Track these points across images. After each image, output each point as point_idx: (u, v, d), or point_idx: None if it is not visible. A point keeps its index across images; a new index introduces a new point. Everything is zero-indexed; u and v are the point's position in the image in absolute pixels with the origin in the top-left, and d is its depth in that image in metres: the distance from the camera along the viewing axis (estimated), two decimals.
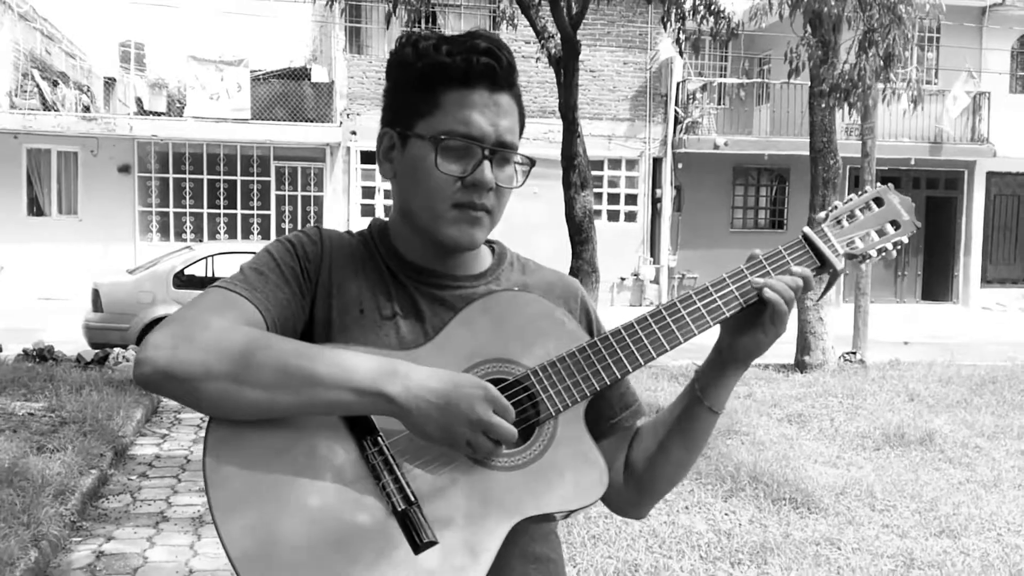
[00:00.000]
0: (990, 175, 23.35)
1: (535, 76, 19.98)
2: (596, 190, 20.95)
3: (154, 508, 6.43)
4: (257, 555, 1.35)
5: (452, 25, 19.96)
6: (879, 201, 1.69)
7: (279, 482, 1.39)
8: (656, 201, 21.98)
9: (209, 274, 12.34)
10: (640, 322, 1.57)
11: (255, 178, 20.67)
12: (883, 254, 1.68)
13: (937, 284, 23.64)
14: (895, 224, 1.68)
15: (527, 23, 11.58)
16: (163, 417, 9.16)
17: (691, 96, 21.79)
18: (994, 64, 22.50)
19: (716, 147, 21.33)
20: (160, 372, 1.38)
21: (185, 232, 20.25)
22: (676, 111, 21.69)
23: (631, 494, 1.73)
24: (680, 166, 21.89)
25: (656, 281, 21.61)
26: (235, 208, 20.57)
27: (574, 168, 11.01)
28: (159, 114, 20.58)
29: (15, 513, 5.39)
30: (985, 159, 22.78)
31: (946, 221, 23.37)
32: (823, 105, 11.48)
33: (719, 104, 22.13)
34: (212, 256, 12.60)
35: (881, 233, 1.67)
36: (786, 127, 21.29)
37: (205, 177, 20.45)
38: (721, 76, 23.41)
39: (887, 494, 6.65)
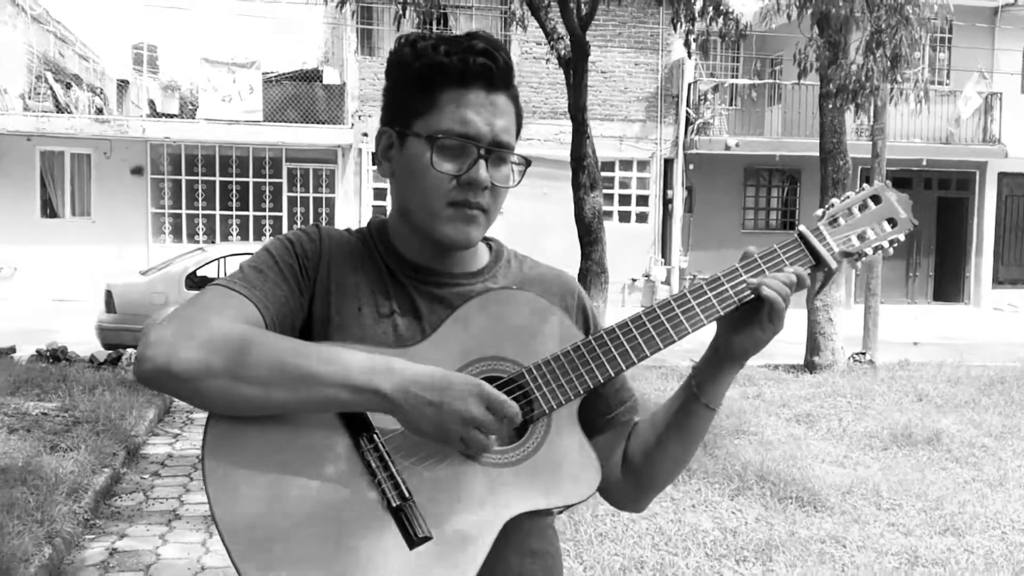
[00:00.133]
0: (1002, 176, 23.26)
1: (546, 77, 20.01)
2: (608, 191, 20.98)
3: (166, 506, 6.49)
4: (255, 550, 1.37)
5: (463, 26, 19.96)
6: (876, 199, 1.68)
7: (276, 478, 1.41)
8: (667, 202, 21.97)
9: (221, 275, 12.38)
10: (635, 320, 1.58)
11: (267, 180, 20.74)
12: (879, 252, 1.67)
13: (949, 285, 23.57)
14: (892, 222, 1.68)
15: (538, 24, 11.63)
16: (175, 417, 9.24)
17: (703, 97, 21.75)
18: (1006, 65, 22.42)
19: (728, 148, 21.28)
20: (159, 369, 1.40)
21: (197, 234, 20.34)
22: (688, 112, 21.66)
23: (629, 488, 1.75)
24: (691, 167, 21.86)
25: (667, 282, 21.58)
26: (247, 210, 20.65)
27: (583, 169, 11.05)
28: (172, 116, 20.64)
29: (29, 511, 5.46)
30: (997, 160, 22.71)
31: (957, 222, 23.33)
32: (831, 106, 11.50)
33: (731, 105, 22.07)
34: (224, 257, 12.67)
35: (878, 231, 1.67)
36: (798, 128, 21.23)
37: (217, 179, 20.54)
38: (733, 77, 23.37)
39: (893, 493, 6.68)
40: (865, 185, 1.72)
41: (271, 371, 1.40)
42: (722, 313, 1.59)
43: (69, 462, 6.55)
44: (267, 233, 20.53)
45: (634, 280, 21.55)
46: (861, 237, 1.66)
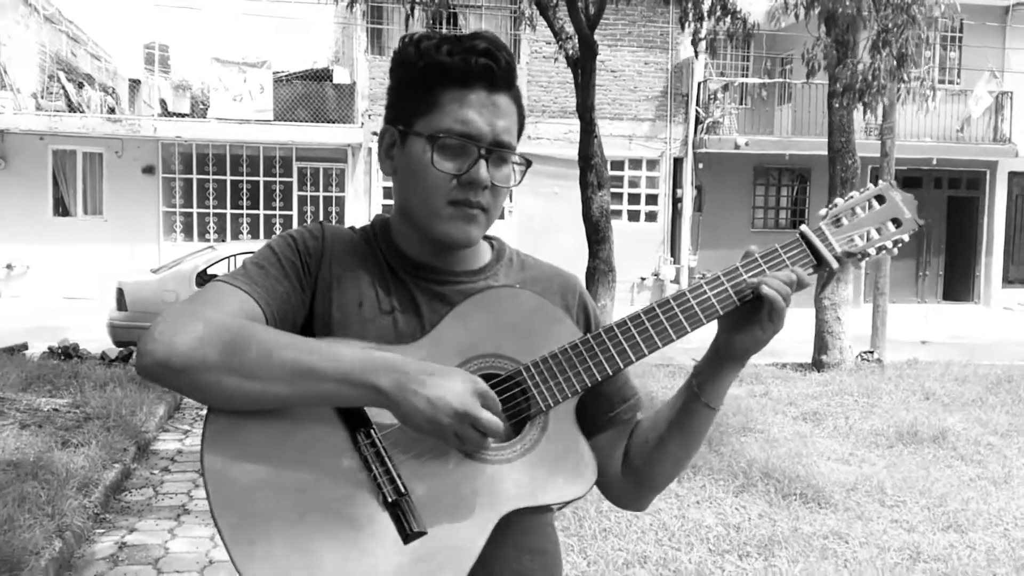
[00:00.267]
0: (1012, 175, 23.19)
1: (556, 76, 20.05)
2: (617, 190, 21.00)
3: (176, 501, 6.55)
4: (252, 545, 1.39)
5: (473, 26, 19.99)
6: (881, 198, 1.67)
7: (273, 472, 1.43)
8: (677, 201, 21.96)
9: None
10: (634, 319, 1.59)
11: (277, 179, 20.79)
12: (883, 252, 1.66)
13: (958, 284, 23.52)
14: (896, 222, 1.66)
15: (546, 24, 11.67)
16: (185, 413, 9.30)
17: (712, 96, 21.73)
18: (1017, 64, 22.31)
19: (737, 147, 21.26)
20: (158, 363, 1.42)
21: (208, 232, 20.41)
22: (697, 111, 21.65)
23: (630, 487, 1.76)
24: (701, 166, 21.85)
25: (676, 281, 21.56)
26: (258, 209, 20.71)
27: (591, 168, 11.08)
28: (183, 115, 20.71)
29: (40, 505, 5.52)
30: (1007, 159, 22.64)
31: (967, 221, 23.28)
32: (839, 105, 11.51)
33: (740, 104, 22.02)
34: (234, 256, 12.78)
35: (882, 231, 1.65)
36: (807, 127, 21.20)
37: (228, 178, 20.59)
38: (742, 76, 23.34)
39: (897, 490, 6.71)
40: (870, 185, 1.71)
41: (269, 365, 1.42)
42: (722, 312, 1.59)
43: (80, 457, 6.61)
44: (277, 232, 20.50)
45: (643, 279, 21.55)
46: (864, 237, 1.65)
